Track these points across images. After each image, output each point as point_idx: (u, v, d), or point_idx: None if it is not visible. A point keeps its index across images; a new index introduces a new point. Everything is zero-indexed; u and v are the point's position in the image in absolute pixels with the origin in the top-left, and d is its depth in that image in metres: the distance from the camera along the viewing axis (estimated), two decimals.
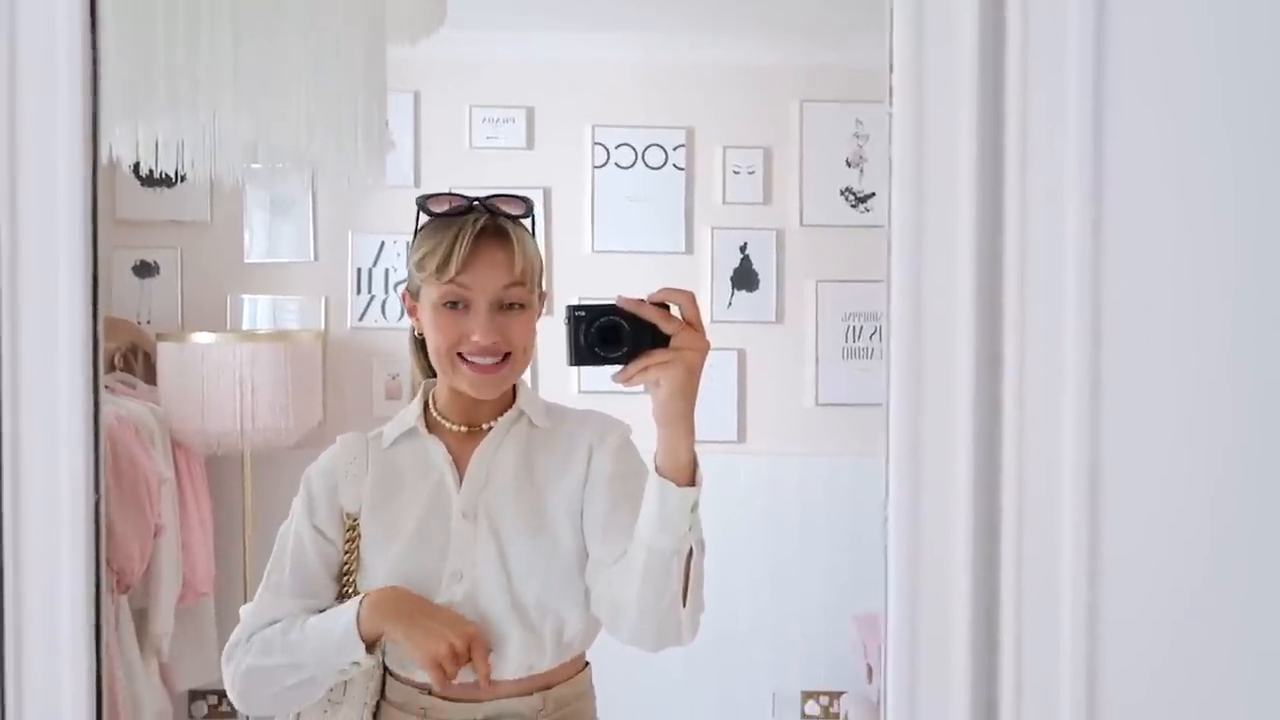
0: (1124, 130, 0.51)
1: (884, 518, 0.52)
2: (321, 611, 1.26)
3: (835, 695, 3.00)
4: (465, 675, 1.19)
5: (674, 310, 1.11)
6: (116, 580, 2.23)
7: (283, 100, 1.58)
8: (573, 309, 1.10)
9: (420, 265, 1.23)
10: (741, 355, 3.05)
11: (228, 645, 1.26)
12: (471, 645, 1.18)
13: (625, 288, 1.19)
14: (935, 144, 0.50)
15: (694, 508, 1.12)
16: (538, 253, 1.29)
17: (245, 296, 3.01)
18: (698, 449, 1.12)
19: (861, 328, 3.05)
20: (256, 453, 2.64)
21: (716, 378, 2.95)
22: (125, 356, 2.81)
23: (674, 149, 3.03)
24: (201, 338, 2.60)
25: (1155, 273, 0.52)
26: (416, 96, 3.02)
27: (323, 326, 3.01)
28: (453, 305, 1.22)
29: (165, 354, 2.60)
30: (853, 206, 3.06)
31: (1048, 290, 0.51)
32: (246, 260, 3.01)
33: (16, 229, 0.55)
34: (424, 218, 1.27)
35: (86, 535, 0.55)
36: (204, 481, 2.75)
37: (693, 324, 1.10)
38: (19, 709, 0.55)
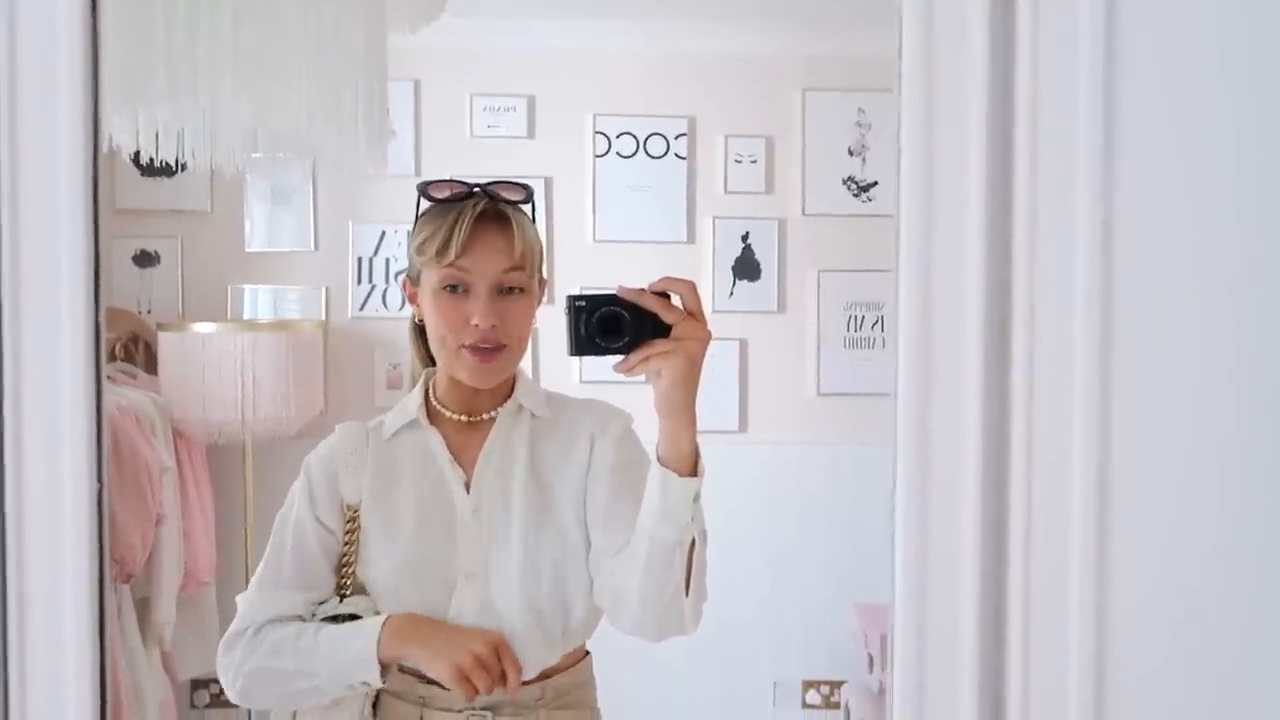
0: (1135, 118, 0.51)
1: (891, 510, 0.52)
2: (321, 603, 1.26)
3: (836, 684, 3.00)
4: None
5: (675, 300, 1.10)
6: (118, 570, 2.23)
7: (282, 86, 1.57)
8: (573, 299, 1.10)
9: (420, 249, 1.23)
10: (743, 345, 3.04)
11: (227, 635, 1.26)
12: (500, 652, 1.17)
13: (626, 277, 1.19)
14: (944, 133, 0.50)
15: (696, 498, 1.12)
16: (538, 238, 1.29)
17: (246, 286, 3.01)
18: (699, 439, 1.12)
19: (863, 317, 3.05)
20: (258, 442, 2.64)
21: (718, 367, 2.94)
22: (126, 346, 2.80)
23: (675, 138, 3.02)
24: (202, 327, 2.59)
25: (1165, 264, 0.51)
26: (417, 85, 3.00)
27: (324, 316, 3.00)
28: (452, 289, 1.22)
29: (166, 344, 2.59)
30: (855, 196, 3.05)
31: (1057, 282, 0.50)
32: (247, 250, 3.00)
33: (18, 219, 0.55)
34: (424, 204, 1.27)
35: (89, 525, 0.54)
36: (205, 471, 2.75)
37: (694, 314, 1.09)
38: (23, 700, 0.55)
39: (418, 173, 2.98)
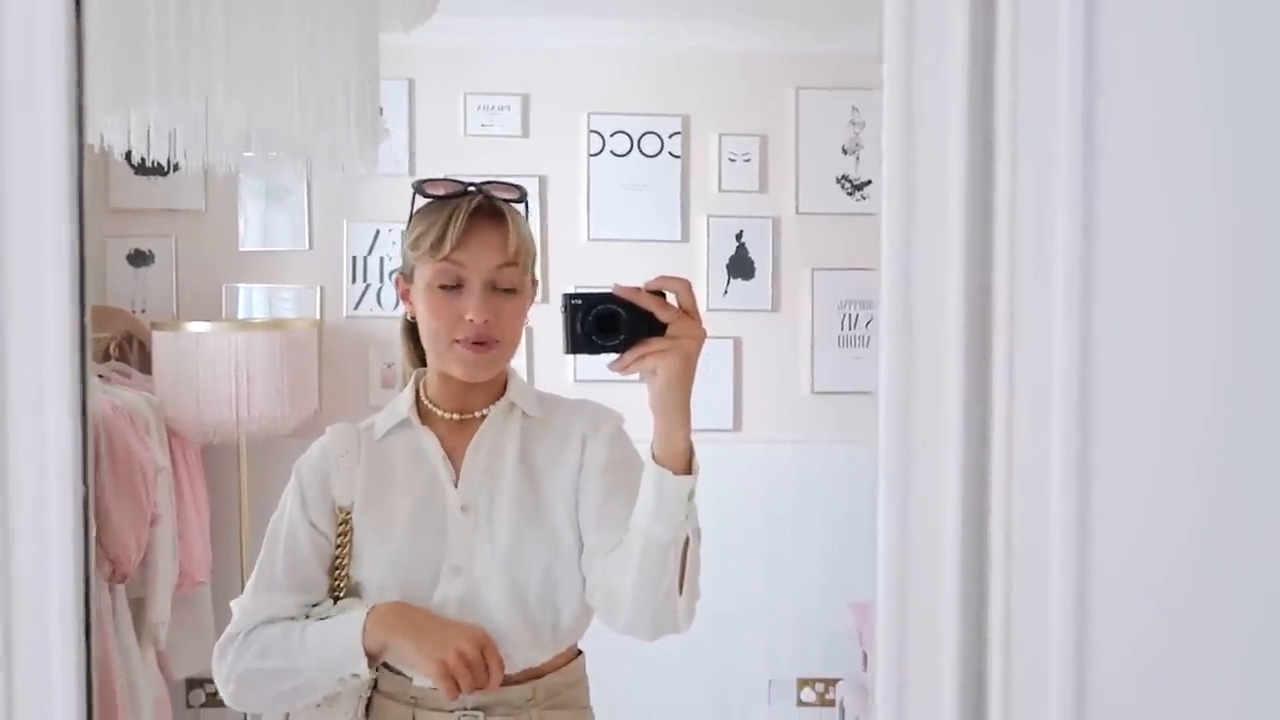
0: (1115, 121, 0.51)
1: (873, 505, 0.52)
2: (315, 605, 1.26)
3: (831, 682, 3.01)
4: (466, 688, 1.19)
5: (670, 298, 1.11)
6: (113, 569, 2.23)
7: (275, 86, 1.57)
8: (569, 297, 1.10)
9: (415, 244, 1.24)
10: (737, 343, 3.05)
11: (220, 640, 1.26)
12: (484, 650, 1.16)
13: (621, 276, 1.19)
14: (925, 133, 0.50)
15: (690, 496, 1.12)
16: (531, 237, 1.29)
17: (240, 285, 3.01)
18: (694, 437, 1.13)
19: (857, 315, 3.05)
20: (252, 441, 2.64)
21: (712, 366, 2.95)
22: (120, 345, 2.80)
23: (669, 136, 3.02)
24: (197, 326, 2.59)
25: (1144, 264, 0.51)
26: (411, 84, 3.00)
27: (318, 315, 3.00)
28: (446, 286, 1.22)
29: (160, 343, 2.59)
30: (849, 194, 3.06)
31: (1038, 279, 0.51)
32: (241, 249, 3.00)
33: (2, 213, 0.54)
34: (419, 203, 1.28)
35: (75, 527, 0.54)
36: (200, 470, 2.75)
37: (689, 312, 1.10)
38: (9, 703, 0.55)
39: (412, 172, 2.98)
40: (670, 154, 3.03)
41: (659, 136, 3.03)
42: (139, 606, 2.40)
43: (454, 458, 1.29)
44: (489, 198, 1.25)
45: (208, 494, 2.77)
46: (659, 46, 3.00)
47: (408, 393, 1.33)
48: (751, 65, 3.01)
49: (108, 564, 2.21)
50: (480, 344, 1.22)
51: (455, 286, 1.22)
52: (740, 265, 3.05)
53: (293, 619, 1.25)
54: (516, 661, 1.23)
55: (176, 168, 1.71)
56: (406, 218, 1.30)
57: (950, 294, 0.50)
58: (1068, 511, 0.50)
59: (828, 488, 3.00)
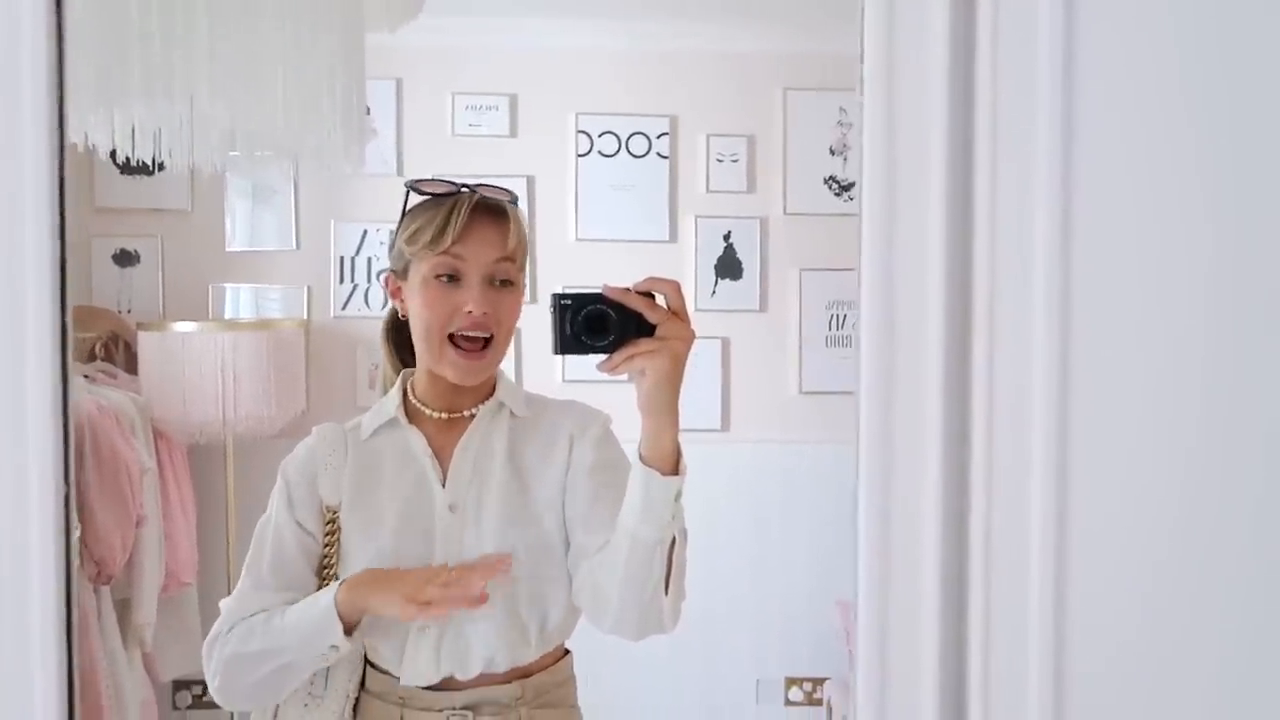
0: (1094, 120, 0.51)
1: (855, 505, 0.52)
2: None
3: (819, 681, 3.02)
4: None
5: (659, 299, 1.11)
6: (98, 571, 2.22)
7: (260, 86, 1.56)
8: (558, 297, 1.10)
9: (413, 239, 1.24)
10: (725, 344, 3.05)
11: (208, 638, 1.26)
12: (457, 573, 1.16)
13: (609, 276, 1.19)
14: (906, 134, 0.50)
15: (678, 496, 1.12)
16: (526, 236, 1.30)
17: (227, 285, 2.99)
18: (682, 438, 1.13)
19: (844, 316, 3.06)
20: (239, 441, 2.63)
21: (700, 366, 2.95)
22: (106, 346, 2.78)
23: (657, 137, 3.03)
24: (183, 327, 2.58)
25: (1123, 262, 0.52)
26: (399, 84, 3.00)
27: (305, 315, 2.99)
28: (444, 279, 1.23)
29: (146, 343, 2.58)
30: (836, 195, 3.06)
31: (1017, 279, 0.51)
32: (228, 249, 2.99)
33: None
34: (413, 200, 1.28)
35: (57, 527, 0.54)
36: (186, 471, 2.74)
37: (678, 313, 1.10)
38: None
39: (400, 172, 2.97)
40: (658, 154, 3.03)
41: (647, 137, 3.03)
42: (125, 608, 2.38)
43: (442, 457, 1.29)
44: (485, 197, 1.26)
45: (194, 495, 2.76)
46: (647, 47, 3.00)
47: (395, 392, 1.33)
48: (739, 66, 3.02)
49: (93, 565, 2.20)
50: (474, 349, 1.23)
51: (453, 280, 1.23)
52: (728, 265, 3.05)
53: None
54: (503, 659, 1.23)
55: (162, 167, 1.70)
56: (398, 216, 1.30)
57: (931, 294, 0.50)
58: (1047, 510, 0.51)
59: (815, 488, 3.00)
